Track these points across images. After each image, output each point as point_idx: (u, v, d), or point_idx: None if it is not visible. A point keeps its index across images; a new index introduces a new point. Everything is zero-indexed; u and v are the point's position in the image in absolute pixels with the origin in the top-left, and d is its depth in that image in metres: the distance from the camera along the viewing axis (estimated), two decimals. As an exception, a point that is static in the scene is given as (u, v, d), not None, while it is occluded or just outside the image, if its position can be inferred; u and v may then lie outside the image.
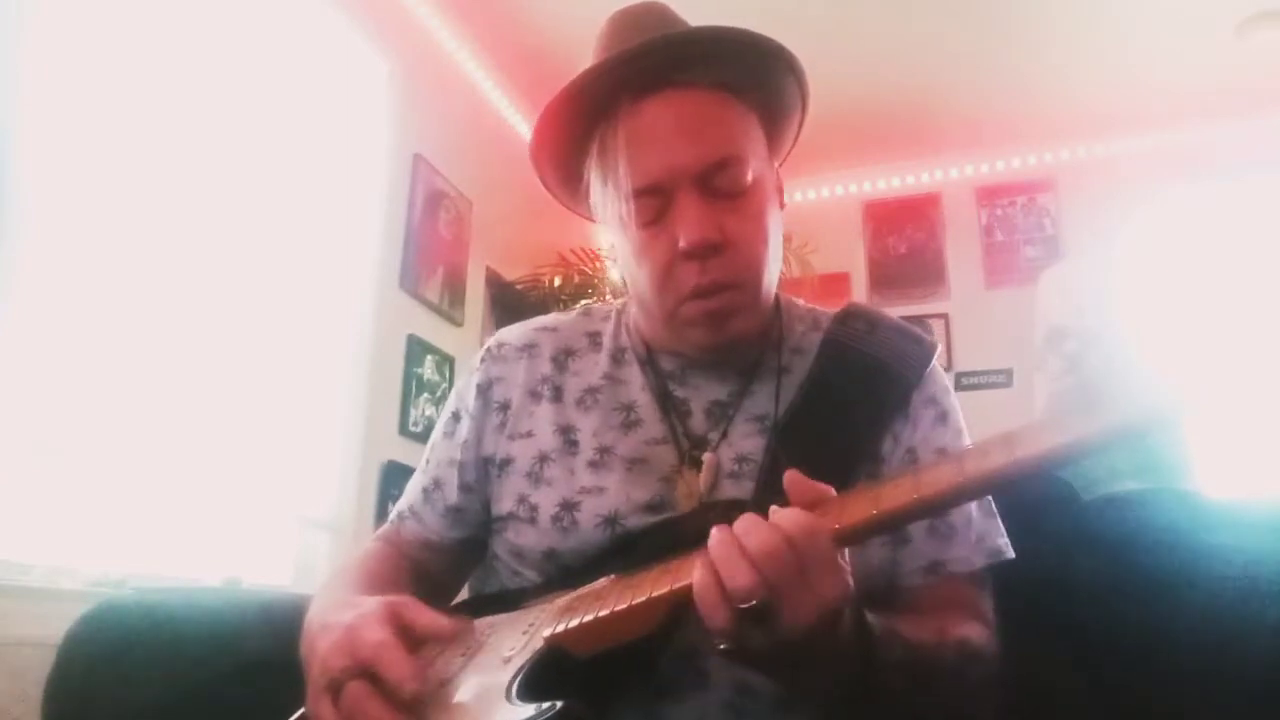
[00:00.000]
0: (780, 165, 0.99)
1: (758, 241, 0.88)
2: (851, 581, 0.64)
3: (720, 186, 0.86)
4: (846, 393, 0.89)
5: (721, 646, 0.63)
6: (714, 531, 0.64)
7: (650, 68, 0.87)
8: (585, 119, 0.90)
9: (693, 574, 0.64)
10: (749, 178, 0.87)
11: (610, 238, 0.95)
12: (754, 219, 0.88)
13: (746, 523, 0.63)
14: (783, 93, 0.94)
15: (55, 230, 1.81)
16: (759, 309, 0.91)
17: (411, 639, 0.71)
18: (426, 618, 0.73)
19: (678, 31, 0.91)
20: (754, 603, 0.60)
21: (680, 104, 0.87)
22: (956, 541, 0.87)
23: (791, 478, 0.67)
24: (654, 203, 0.85)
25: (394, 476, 2.65)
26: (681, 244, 0.84)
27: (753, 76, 0.91)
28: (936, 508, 0.65)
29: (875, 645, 0.70)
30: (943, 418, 0.93)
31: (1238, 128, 3.58)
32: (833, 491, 0.67)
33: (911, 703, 0.75)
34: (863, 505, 0.64)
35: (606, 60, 0.88)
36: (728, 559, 0.62)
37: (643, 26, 0.91)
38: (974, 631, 0.82)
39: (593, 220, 1.03)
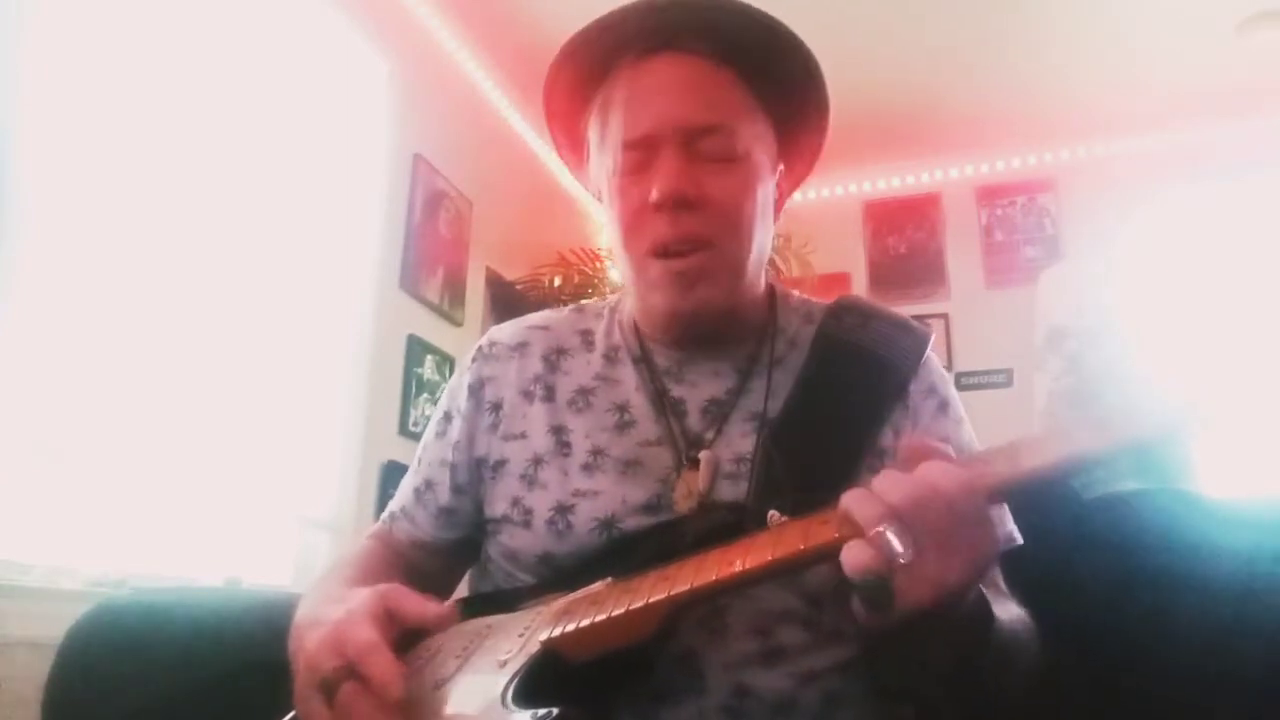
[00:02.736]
0: (782, 172, 0.96)
1: (740, 206, 0.87)
2: (999, 538, 0.62)
3: (706, 150, 0.85)
4: (842, 387, 0.89)
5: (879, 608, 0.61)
6: (850, 493, 0.63)
7: (653, 27, 0.87)
8: (589, 81, 0.90)
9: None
10: (739, 149, 0.87)
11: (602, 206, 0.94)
12: (739, 185, 0.87)
13: (886, 480, 0.62)
14: (795, 92, 0.92)
15: (55, 230, 1.81)
16: (732, 280, 0.88)
17: (401, 627, 0.72)
18: (414, 604, 0.74)
19: None
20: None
21: (680, 66, 0.87)
22: None
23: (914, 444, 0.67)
24: (640, 155, 0.86)
25: (394, 476, 2.62)
26: (653, 195, 0.84)
27: (763, 62, 0.89)
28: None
29: (992, 618, 0.70)
30: (943, 407, 0.92)
31: (1238, 128, 3.58)
32: (953, 452, 0.66)
33: (1004, 684, 0.76)
34: (1002, 463, 0.63)
35: (610, 15, 0.88)
36: (866, 506, 0.61)
37: None
38: (1016, 607, 0.82)
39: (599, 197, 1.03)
